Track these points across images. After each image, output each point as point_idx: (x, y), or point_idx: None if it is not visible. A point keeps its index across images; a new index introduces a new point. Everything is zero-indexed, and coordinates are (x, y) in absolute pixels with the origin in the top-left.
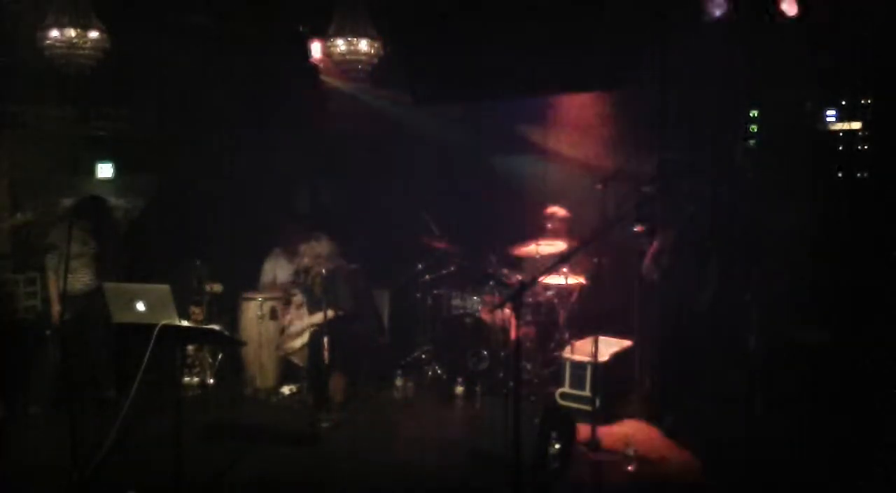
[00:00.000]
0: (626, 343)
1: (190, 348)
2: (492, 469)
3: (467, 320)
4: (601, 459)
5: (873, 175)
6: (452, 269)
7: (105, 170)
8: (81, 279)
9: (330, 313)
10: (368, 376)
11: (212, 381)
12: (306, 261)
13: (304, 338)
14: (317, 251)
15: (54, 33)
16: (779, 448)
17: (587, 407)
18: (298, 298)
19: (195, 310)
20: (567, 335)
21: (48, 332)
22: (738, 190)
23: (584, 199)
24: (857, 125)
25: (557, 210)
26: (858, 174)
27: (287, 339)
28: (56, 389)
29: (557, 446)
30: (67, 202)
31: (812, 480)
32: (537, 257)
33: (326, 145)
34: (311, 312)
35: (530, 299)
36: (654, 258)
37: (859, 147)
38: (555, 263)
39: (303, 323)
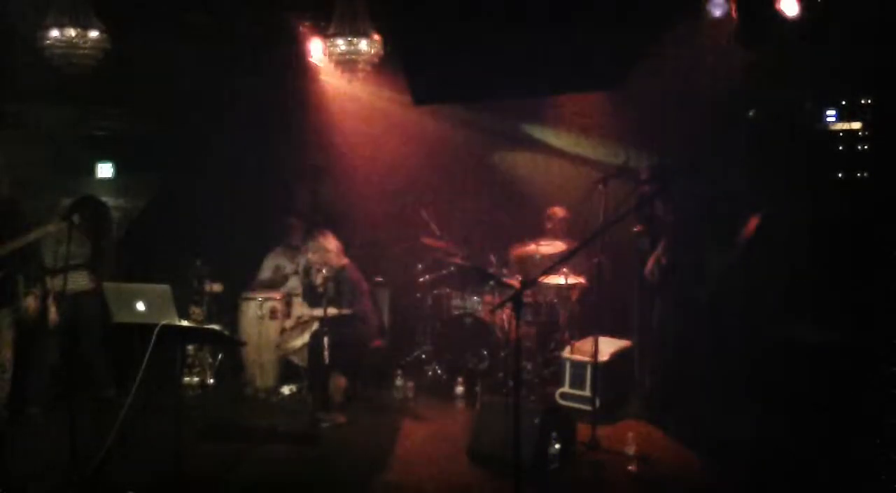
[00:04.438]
0: (626, 343)
1: (190, 348)
2: (492, 470)
3: (467, 320)
4: (601, 459)
5: (873, 175)
6: (452, 269)
7: (105, 170)
8: (77, 280)
9: (333, 310)
10: (368, 376)
11: (212, 381)
12: (311, 256)
13: (305, 338)
14: (324, 246)
15: (54, 33)
16: (779, 448)
17: (587, 407)
18: (298, 299)
19: (195, 310)
20: (567, 335)
21: (45, 332)
22: (737, 190)
23: (584, 199)
24: (857, 125)
25: (557, 210)
26: (858, 174)
27: (287, 338)
28: (55, 389)
29: (557, 446)
30: (67, 202)
31: (812, 480)
32: (537, 257)
33: (326, 145)
34: (312, 307)
35: (530, 299)
36: (657, 260)
37: (859, 147)
38: (555, 263)
39: (303, 315)
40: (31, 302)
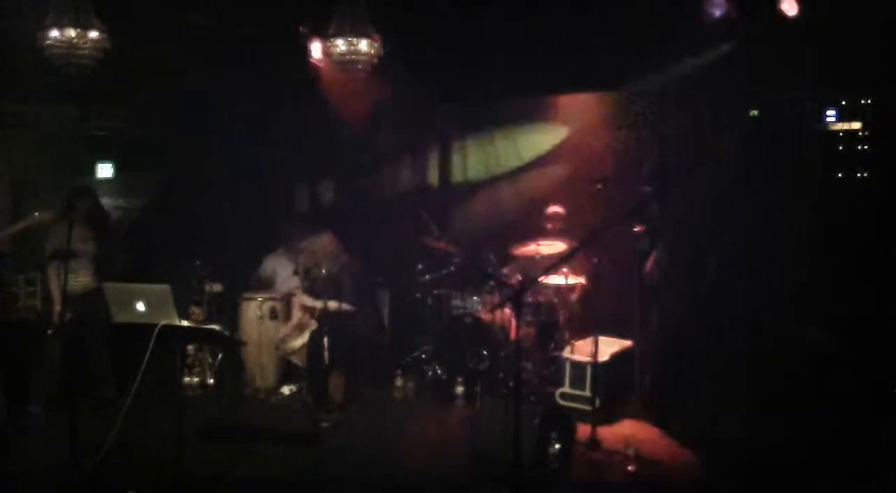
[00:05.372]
0: (626, 343)
1: (190, 348)
2: (492, 470)
3: (467, 320)
4: (601, 459)
5: (873, 175)
6: (452, 269)
7: (105, 170)
8: (80, 279)
9: (334, 304)
10: (368, 376)
11: (212, 381)
12: (305, 260)
13: (304, 338)
14: (321, 248)
15: (54, 33)
16: (779, 448)
17: (587, 407)
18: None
19: (195, 310)
20: (567, 335)
21: (49, 332)
22: (736, 189)
23: (585, 199)
24: (857, 125)
25: (557, 210)
26: (858, 174)
27: (287, 338)
28: (56, 389)
29: (557, 446)
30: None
31: (811, 480)
32: (537, 256)
33: (326, 145)
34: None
35: (530, 299)
36: (656, 260)
37: (859, 147)
38: (555, 263)
39: (302, 315)
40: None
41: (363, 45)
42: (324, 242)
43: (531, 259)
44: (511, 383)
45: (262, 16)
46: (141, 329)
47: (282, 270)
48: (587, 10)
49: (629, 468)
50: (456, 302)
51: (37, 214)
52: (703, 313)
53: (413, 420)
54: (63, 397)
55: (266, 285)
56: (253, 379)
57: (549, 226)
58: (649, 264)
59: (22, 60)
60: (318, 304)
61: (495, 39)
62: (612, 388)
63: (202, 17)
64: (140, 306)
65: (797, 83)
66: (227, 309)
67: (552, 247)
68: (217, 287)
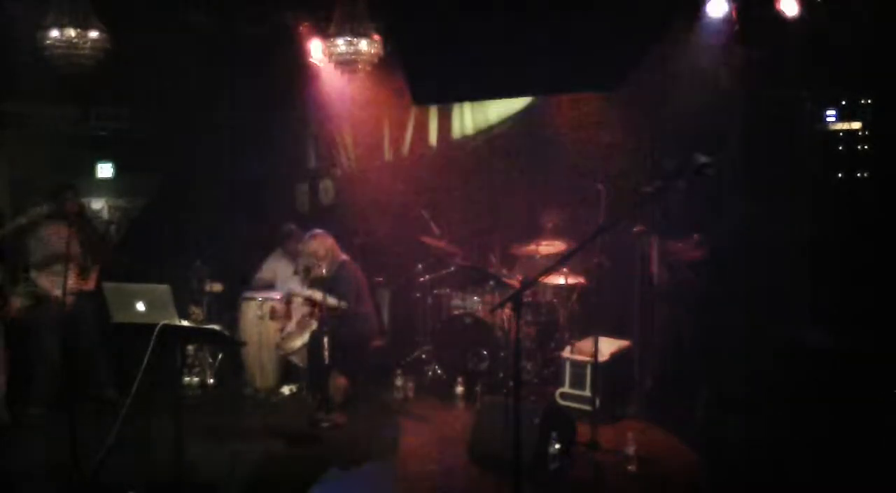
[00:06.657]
0: (626, 343)
1: (190, 348)
2: (492, 469)
3: (467, 320)
4: (601, 459)
5: (873, 175)
6: (452, 269)
7: (105, 170)
8: (73, 279)
9: (333, 301)
10: (368, 376)
11: (212, 381)
12: (303, 261)
13: (305, 338)
14: (312, 249)
15: (54, 33)
16: (779, 448)
17: (587, 407)
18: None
19: (195, 310)
20: (567, 335)
21: (44, 333)
22: (737, 190)
23: (584, 199)
24: (857, 125)
25: (557, 209)
26: (858, 174)
27: (287, 338)
28: (56, 389)
29: (557, 446)
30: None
31: (811, 480)
32: (537, 256)
33: (326, 145)
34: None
35: (530, 299)
36: (660, 260)
37: (859, 147)
38: (555, 263)
39: (302, 313)
40: (14, 302)
41: (363, 44)
42: (314, 244)
43: (531, 259)
44: (511, 383)
45: (261, 15)
46: (141, 329)
47: (281, 270)
48: (585, 9)
49: (629, 467)
50: (456, 302)
51: (22, 219)
52: (704, 313)
53: (413, 420)
54: (63, 398)
55: (267, 285)
56: (253, 379)
57: (549, 226)
58: (654, 264)
59: (22, 60)
60: (318, 295)
61: (496, 39)
62: (612, 388)
63: (202, 16)
64: (140, 306)
65: (797, 83)
66: (227, 309)
67: (552, 247)
68: (217, 287)
